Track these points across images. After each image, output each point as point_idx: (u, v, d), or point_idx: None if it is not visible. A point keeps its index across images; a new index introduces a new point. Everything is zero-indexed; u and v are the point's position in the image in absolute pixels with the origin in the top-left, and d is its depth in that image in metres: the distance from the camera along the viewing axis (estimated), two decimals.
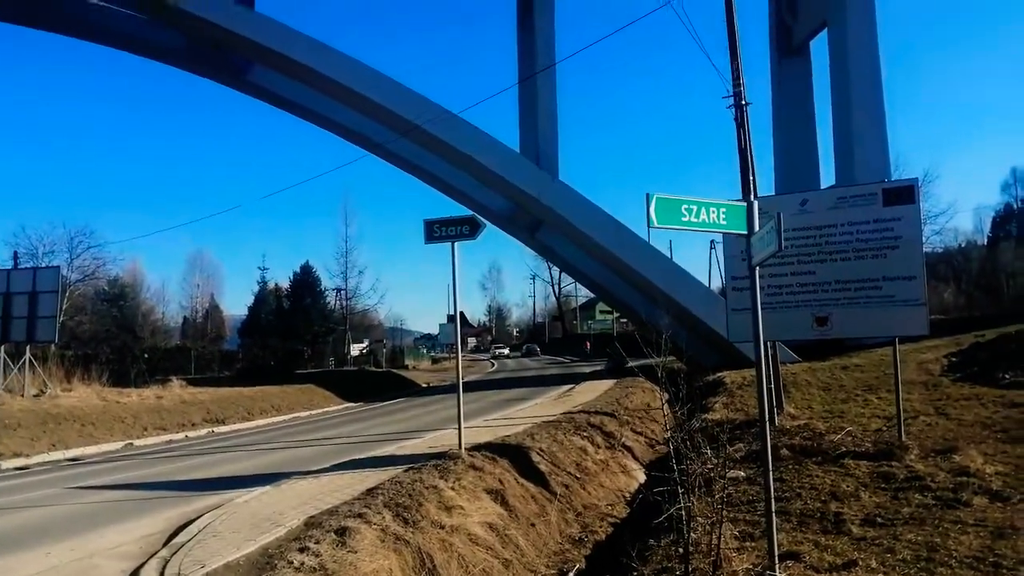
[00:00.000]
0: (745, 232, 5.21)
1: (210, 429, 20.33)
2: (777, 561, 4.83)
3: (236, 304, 73.20)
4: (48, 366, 22.28)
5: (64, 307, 32.94)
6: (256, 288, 53.59)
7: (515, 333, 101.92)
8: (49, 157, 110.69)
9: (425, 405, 24.86)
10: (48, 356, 25.07)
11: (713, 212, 5.10)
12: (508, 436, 12.48)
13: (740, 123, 14.99)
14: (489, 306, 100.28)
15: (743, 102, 15.01)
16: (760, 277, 10.38)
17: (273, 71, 30.30)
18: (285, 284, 53.12)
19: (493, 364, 55.70)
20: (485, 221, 11.66)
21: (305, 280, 51.09)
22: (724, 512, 4.05)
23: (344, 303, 52.46)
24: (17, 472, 13.50)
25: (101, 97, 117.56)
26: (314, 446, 14.93)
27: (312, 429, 19.16)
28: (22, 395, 19.06)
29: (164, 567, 6.07)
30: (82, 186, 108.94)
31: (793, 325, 10.79)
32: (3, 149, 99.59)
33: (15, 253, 35.90)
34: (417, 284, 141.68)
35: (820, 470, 8.93)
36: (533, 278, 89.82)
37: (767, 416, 5.20)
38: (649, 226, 4.76)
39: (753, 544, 5.78)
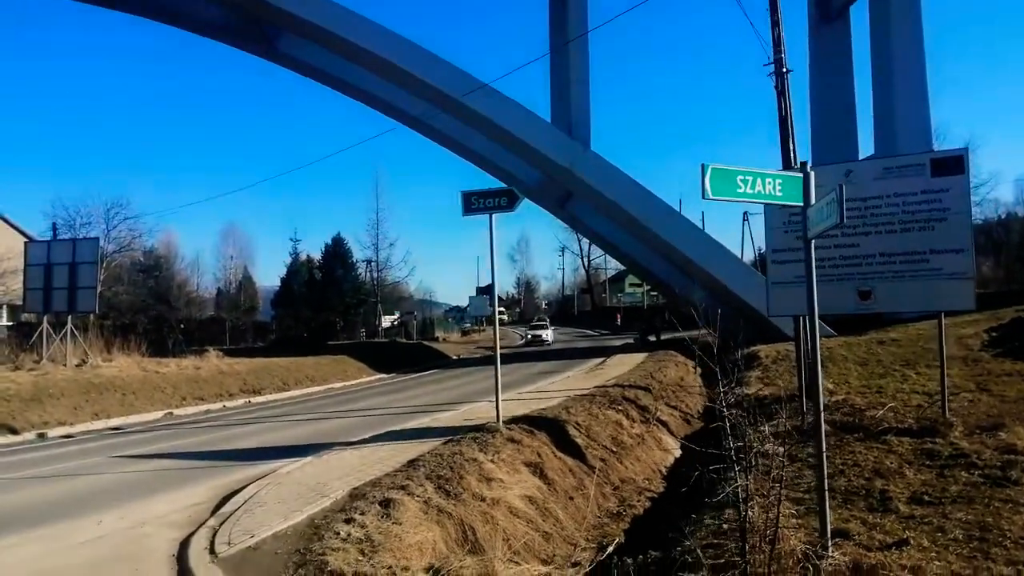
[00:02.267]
0: (801, 203, 5.08)
1: (247, 399, 20.66)
2: (830, 539, 4.78)
3: (269, 276, 74.08)
4: (88, 336, 22.65)
5: (102, 278, 33.45)
6: (288, 260, 54.01)
7: (543, 305, 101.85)
8: (86, 130, 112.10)
9: (457, 377, 25.02)
10: (88, 326, 25.49)
11: (769, 183, 4.97)
12: (543, 409, 12.49)
13: (781, 91, 14.69)
14: (518, 278, 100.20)
15: (784, 69, 14.70)
16: (802, 250, 10.20)
17: (307, 42, 30.25)
18: (317, 256, 53.50)
19: (522, 337, 55.82)
20: (520, 193, 11.57)
21: (336, 252, 51.39)
22: (782, 491, 4.00)
23: (375, 275, 52.74)
24: (63, 440, 13.85)
25: (134, 70, 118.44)
26: (350, 417, 15.11)
27: (347, 400, 19.39)
28: (64, 365, 19.45)
29: (214, 536, 6.18)
30: (118, 159, 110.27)
31: (835, 299, 10.58)
32: (41, 122, 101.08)
33: (54, 224, 36.57)
34: (446, 256, 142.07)
35: (862, 447, 8.81)
36: (562, 250, 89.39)
37: (820, 393, 5.10)
38: (704, 197, 4.65)
39: (800, 521, 5.73)
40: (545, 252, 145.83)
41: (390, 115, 35.12)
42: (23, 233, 44.21)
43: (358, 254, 52.63)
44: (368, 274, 53.39)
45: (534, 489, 8.36)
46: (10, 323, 38.62)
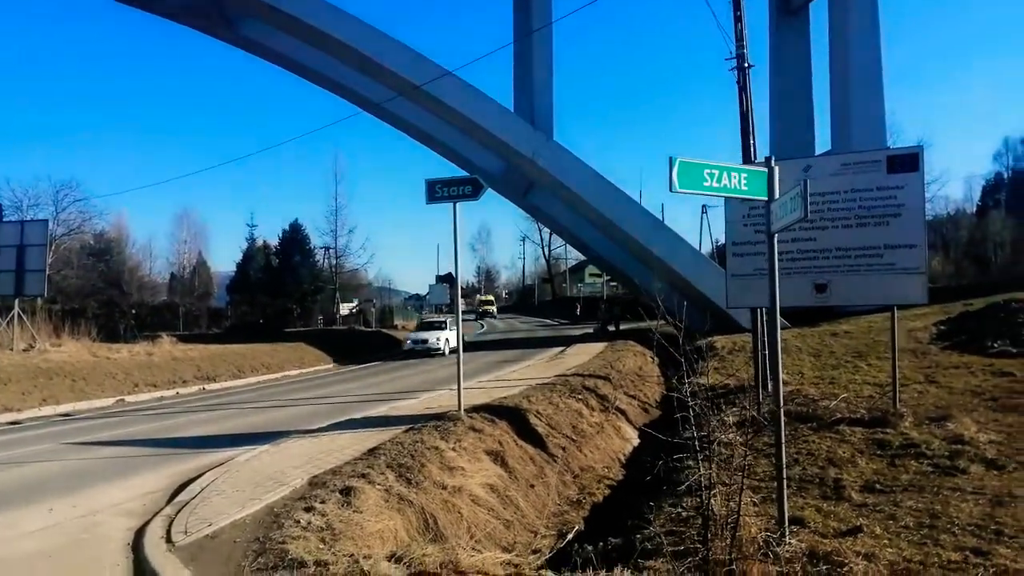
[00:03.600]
0: (765, 198, 5.15)
1: (201, 386, 20.31)
2: (787, 526, 4.89)
3: (224, 261, 72.75)
4: (37, 320, 22.04)
5: (50, 261, 32.52)
6: (244, 245, 53.24)
7: (504, 295, 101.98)
8: (34, 110, 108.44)
9: (416, 365, 24.91)
10: (36, 310, 24.81)
11: (735, 177, 5.03)
12: (505, 398, 12.51)
13: (743, 86, 14.85)
14: (479, 267, 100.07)
15: (746, 64, 14.87)
16: (761, 243, 10.34)
17: (268, 27, 29.68)
18: (274, 242, 52.74)
19: (483, 326, 55.80)
20: (484, 182, 11.53)
21: (294, 238, 50.76)
22: (744, 480, 4.07)
23: (333, 262, 52.23)
24: (10, 427, 13.45)
25: (87, 49, 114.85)
26: (309, 405, 14.95)
27: (305, 388, 19.18)
28: (11, 349, 18.91)
29: (170, 525, 6.06)
30: (67, 140, 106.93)
31: (792, 292, 10.76)
32: None
33: None
34: (406, 244, 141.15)
35: (816, 436, 9.02)
36: (523, 240, 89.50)
37: (780, 385, 5.20)
38: (671, 190, 4.69)
39: (757, 509, 5.84)
40: (506, 242, 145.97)
41: (352, 101, 34.68)
42: None
43: (316, 240, 52.13)
44: (326, 261, 52.91)
45: (495, 477, 8.37)
46: None
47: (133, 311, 40.06)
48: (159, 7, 31.83)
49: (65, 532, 6.19)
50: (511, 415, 10.93)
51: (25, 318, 20.72)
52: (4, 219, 30.51)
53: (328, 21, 26.11)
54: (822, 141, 31.14)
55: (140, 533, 5.98)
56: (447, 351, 28.62)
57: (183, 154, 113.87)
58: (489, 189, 12.08)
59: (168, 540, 5.69)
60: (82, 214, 43.25)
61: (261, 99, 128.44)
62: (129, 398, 17.66)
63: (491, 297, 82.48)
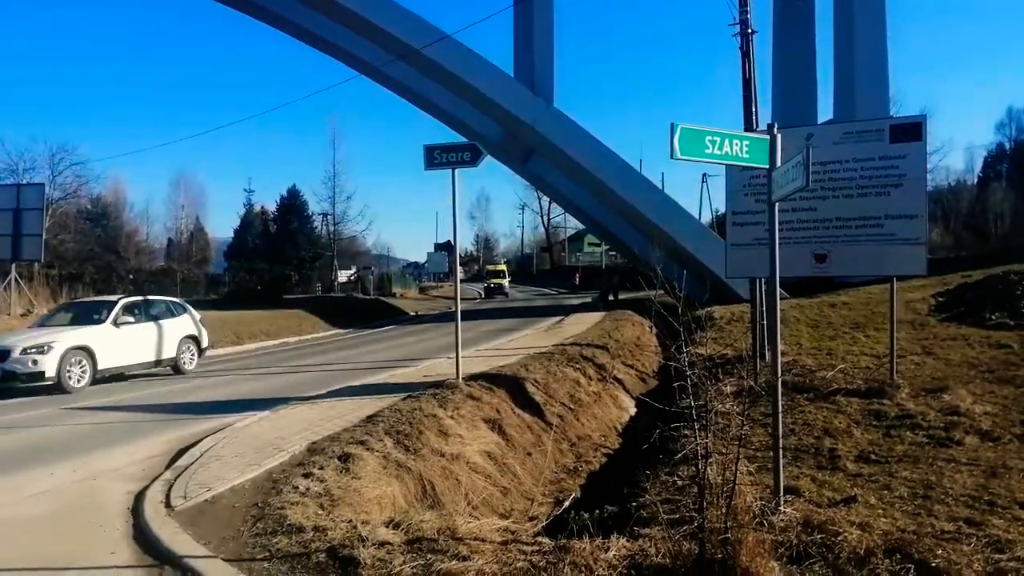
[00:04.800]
0: (767, 166, 5.10)
1: None
2: (783, 496, 4.92)
3: (222, 227, 72.68)
4: (34, 285, 22.04)
5: (47, 225, 32.42)
6: (242, 211, 52.92)
7: (503, 263, 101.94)
8: (28, 70, 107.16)
9: (415, 333, 24.98)
10: (34, 275, 24.77)
11: (736, 144, 4.97)
12: (503, 367, 12.55)
13: (746, 52, 14.65)
14: (477, 236, 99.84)
15: (749, 30, 14.66)
16: (762, 213, 10.27)
17: None
18: (272, 208, 52.48)
19: (481, 295, 55.85)
20: (484, 149, 11.43)
21: (292, 204, 50.46)
22: (740, 449, 4.09)
23: (331, 228, 52.06)
24: None
25: (80, 12, 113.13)
26: (307, 372, 14.99)
27: (303, 355, 19.22)
28: (8, 314, 18.91)
29: (169, 490, 6.10)
30: (63, 103, 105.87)
31: (792, 262, 10.72)
32: None
33: None
34: (405, 211, 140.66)
35: (812, 406, 9.07)
36: (522, 208, 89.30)
37: (778, 355, 5.20)
38: (672, 157, 4.63)
39: (752, 478, 5.87)
40: (505, 209, 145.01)
41: (351, 64, 34.27)
42: None
43: (314, 207, 51.87)
44: (324, 227, 52.72)
45: (493, 445, 8.43)
46: None
47: (131, 276, 40.02)
48: None
49: (65, 496, 6.23)
50: (509, 383, 10.97)
51: (22, 283, 20.70)
52: (0, 183, 30.36)
53: None
54: (825, 110, 30.91)
55: (139, 497, 6.02)
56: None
57: (183, 119, 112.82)
58: (488, 156, 11.98)
59: (167, 505, 5.73)
60: (79, 178, 42.92)
61: (262, 65, 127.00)
62: None
63: (503, 267, 65.44)
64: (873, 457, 6.81)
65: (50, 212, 36.25)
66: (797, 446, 7.35)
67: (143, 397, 12.04)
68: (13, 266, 20.27)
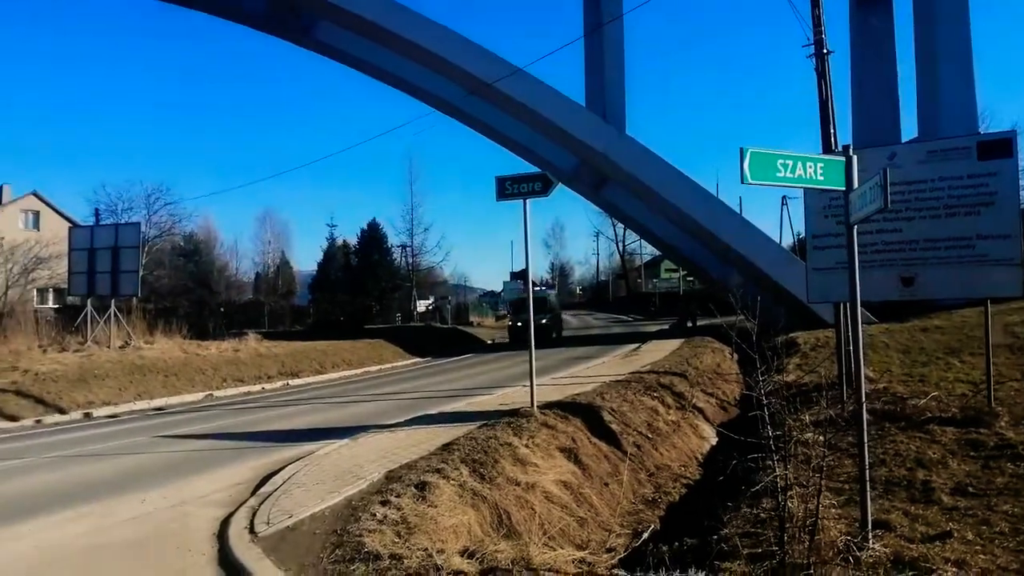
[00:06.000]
0: (843, 188, 4.96)
1: (285, 382, 20.98)
2: (870, 530, 4.70)
3: (306, 260, 75.06)
4: (132, 319, 23.17)
5: (144, 262, 34.17)
6: (325, 245, 54.77)
7: (578, 291, 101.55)
8: (127, 118, 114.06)
9: (491, 362, 25.11)
10: (131, 309, 26.09)
11: (810, 167, 4.86)
12: (578, 395, 12.47)
13: (821, 73, 14.38)
14: (552, 264, 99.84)
15: (824, 50, 14.38)
16: (843, 235, 9.97)
17: (342, 29, 30.37)
18: (353, 241, 54.05)
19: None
20: (555, 178, 11.50)
21: (372, 237, 51.87)
22: (822, 481, 3.94)
23: (410, 260, 53.16)
24: (108, 420, 14.21)
25: (170, 61, 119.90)
26: (386, 400, 15.26)
27: (383, 383, 19.57)
28: (108, 347, 19.93)
29: (253, 516, 6.29)
30: (157, 147, 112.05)
31: (877, 285, 10.36)
32: (85, 110, 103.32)
33: (96, 210, 37.46)
34: (480, 242, 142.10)
35: (904, 436, 8.64)
36: (597, 235, 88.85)
37: (862, 381, 5.01)
38: (743, 182, 4.57)
39: (839, 512, 5.64)
40: (580, 237, 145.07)
41: (425, 101, 35.10)
42: (68, 219, 45.35)
43: (393, 239, 53.20)
44: (403, 259, 53.88)
45: (569, 474, 8.36)
46: (56, 306, 39.67)
47: (221, 309, 41.74)
48: (240, 16, 32.99)
49: (156, 521, 6.51)
50: (584, 412, 10.88)
51: (121, 317, 21.80)
52: (100, 222, 32.23)
53: (400, 23, 26.53)
54: (908, 131, 29.82)
55: (225, 523, 6.23)
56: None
57: (269, 158, 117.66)
58: (560, 185, 12.05)
59: (251, 531, 5.90)
60: (172, 217, 45.32)
61: (339, 102, 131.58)
62: (217, 393, 18.40)
63: (548, 296, 41.77)
64: (970, 490, 6.43)
65: (146, 249, 38.36)
66: (888, 478, 7.01)
67: (230, 425, 12.47)
68: (112, 301, 21.41)
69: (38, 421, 13.94)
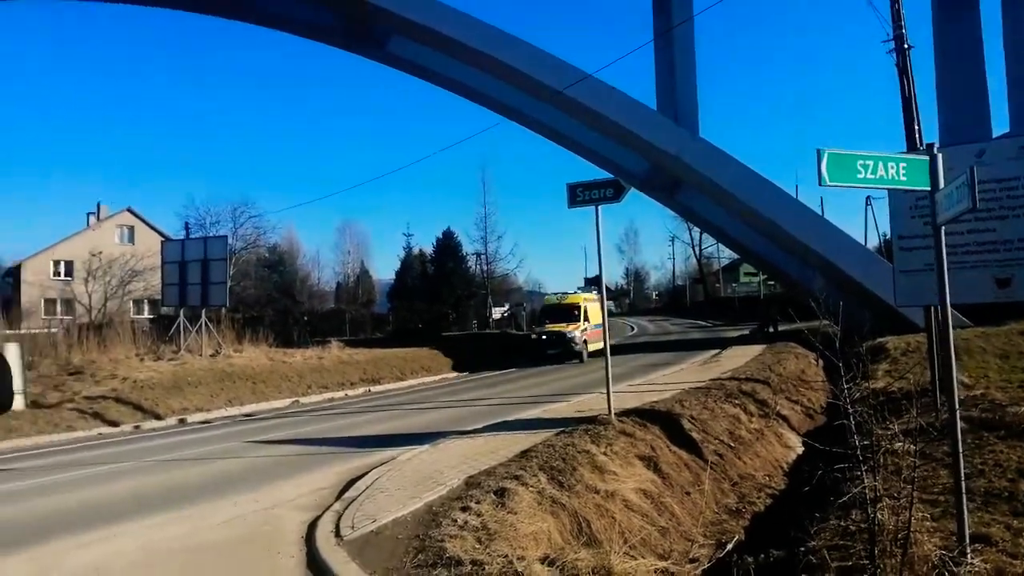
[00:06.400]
0: (928, 188, 4.78)
1: (367, 388, 21.49)
2: (968, 544, 4.50)
3: (384, 269, 76.30)
4: (221, 328, 24.16)
5: (231, 273, 35.57)
6: (402, 254, 55.72)
7: (654, 296, 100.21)
8: (210, 135, 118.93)
9: (566, 368, 25.05)
10: (220, 319, 27.18)
11: (892, 167, 4.70)
12: (656, 402, 12.34)
13: (903, 69, 13.83)
14: (627, 269, 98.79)
15: (905, 45, 13.83)
16: (930, 236, 9.57)
17: (414, 42, 30.99)
18: (429, 249, 54.89)
19: (633, 328, 55.25)
20: (627, 184, 11.44)
21: (447, 245, 52.50)
22: (915, 493, 3.79)
23: (484, 267, 53.63)
24: (201, 426, 14.87)
25: (249, 78, 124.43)
26: (463, 407, 15.45)
27: (460, 390, 19.80)
28: (200, 355, 20.83)
29: (338, 520, 6.48)
30: (241, 161, 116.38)
31: (969, 287, 9.89)
32: (168, 130, 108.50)
33: (186, 224, 39.14)
34: (554, 248, 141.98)
35: (1004, 445, 8.21)
36: (672, 240, 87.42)
37: (954, 387, 4.80)
38: (820, 184, 4.46)
39: (934, 525, 5.41)
40: (655, 242, 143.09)
41: (495, 110, 35.39)
42: (160, 233, 47.67)
43: (468, 247, 53.73)
44: (478, 267, 54.35)
45: (648, 483, 8.28)
46: (151, 316, 41.70)
47: (304, 318, 43.02)
48: (309, 31, 34.01)
49: (248, 524, 6.79)
50: (663, 420, 10.76)
51: (211, 326, 22.76)
52: (190, 236, 33.71)
53: (471, 35, 26.91)
54: (1000, 124, 28.32)
55: (312, 527, 6.45)
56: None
57: (347, 170, 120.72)
58: (633, 190, 11.97)
59: (337, 534, 6.09)
60: (257, 229, 47.20)
61: (410, 112, 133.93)
62: (303, 399, 19.00)
63: (578, 299, 30.67)
64: None
65: (233, 261, 39.93)
66: (987, 489, 6.68)
67: (315, 432, 12.86)
68: (203, 311, 22.38)
69: (136, 427, 14.70)
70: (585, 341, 27.94)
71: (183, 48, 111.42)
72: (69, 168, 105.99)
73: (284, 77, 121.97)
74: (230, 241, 36.57)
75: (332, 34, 33.90)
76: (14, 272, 50.31)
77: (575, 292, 32.00)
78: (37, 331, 24.38)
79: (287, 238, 55.98)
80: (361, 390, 21.17)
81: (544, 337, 28.45)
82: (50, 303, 46.00)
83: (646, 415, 10.88)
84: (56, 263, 49.58)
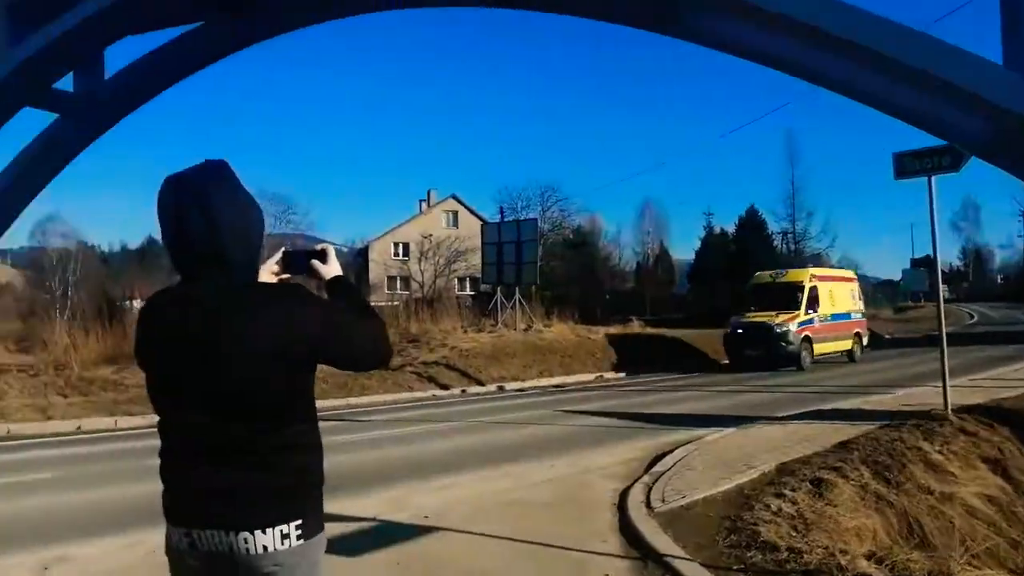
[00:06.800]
0: None
1: (664, 367, 21.55)
2: None
3: (684, 249, 75.55)
4: (532, 305, 25.87)
5: (540, 254, 37.74)
6: (702, 233, 54.73)
7: (999, 280, 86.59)
8: (520, 123, 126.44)
9: (890, 358, 22.87)
10: (531, 296, 29.08)
11: None
12: (1004, 399, 10.79)
13: None
14: (964, 249, 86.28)
15: None
16: None
17: (717, 15, 30.06)
18: (731, 229, 53.22)
19: (972, 316, 48.50)
20: (965, 151, 10.03)
21: (751, 224, 50.46)
22: None
23: (791, 247, 50.58)
24: (517, 393, 16.19)
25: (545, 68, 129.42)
26: (772, 392, 14.93)
27: (765, 376, 18.92)
28: (514, 329, 22.53)
29: (648, 492, 6.64)
30: (550, 146, 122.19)
31: None
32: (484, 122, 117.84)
33: (501, 208, 42.31)
34: (873, 225, 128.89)
35: None
36: (1022, 215, 74.75)
37: None
38: None
39: None
40: (1001, 217, 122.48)
41: (806, 78, 33.02)
42: (479, 216, 52.20)
43: (773, 226, 51.10)
44: (784, 246, 51.40)
45: (995, 489, 7.30)
46: (472, 293, 45.93)
47: (607, 297, 44.32)
48: (613, 15, 34.46)
49: (565, 485, 7.27)
50: (1016, 419, 9.37)
51: (524, 303, 24.47)
52: (504, 219, 36.39)
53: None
54: None
55: (623, 495, 6.68)
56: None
57: (647, 149, 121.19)
58: (973, 158, 10.45)
59: (648, 505, 6.25)
60: (563, 212, 49.60)
61: (715, 92, 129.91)
62: (606, 375, 19.66)
63: (802, 274, 22.27)
64: None
65: (542, 242, 42.37)
66: None
67: (619, 406, 13.27)
68: (517, 289, 24.14)
69: (463, 391, 16.42)
70: (808, 338, 19.74)
71: (485, 41, 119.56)
72: (401, 158, 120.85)
73: (590, 64, 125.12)
74: (539, 223, 38.84)
75: (628, 15, 34.18)
76: (363, 252, 58.51)
77: (804, 268, 25.18)
78: (383, 304, 28.21)
79: (590, 220, 57.91)
80: (659, 369, 21.29)
81: (740, 331, 20.29)
82: (391, 280, 52.70)
83: (992, 413, 9.57)
84: (395, 245, 56.82)
